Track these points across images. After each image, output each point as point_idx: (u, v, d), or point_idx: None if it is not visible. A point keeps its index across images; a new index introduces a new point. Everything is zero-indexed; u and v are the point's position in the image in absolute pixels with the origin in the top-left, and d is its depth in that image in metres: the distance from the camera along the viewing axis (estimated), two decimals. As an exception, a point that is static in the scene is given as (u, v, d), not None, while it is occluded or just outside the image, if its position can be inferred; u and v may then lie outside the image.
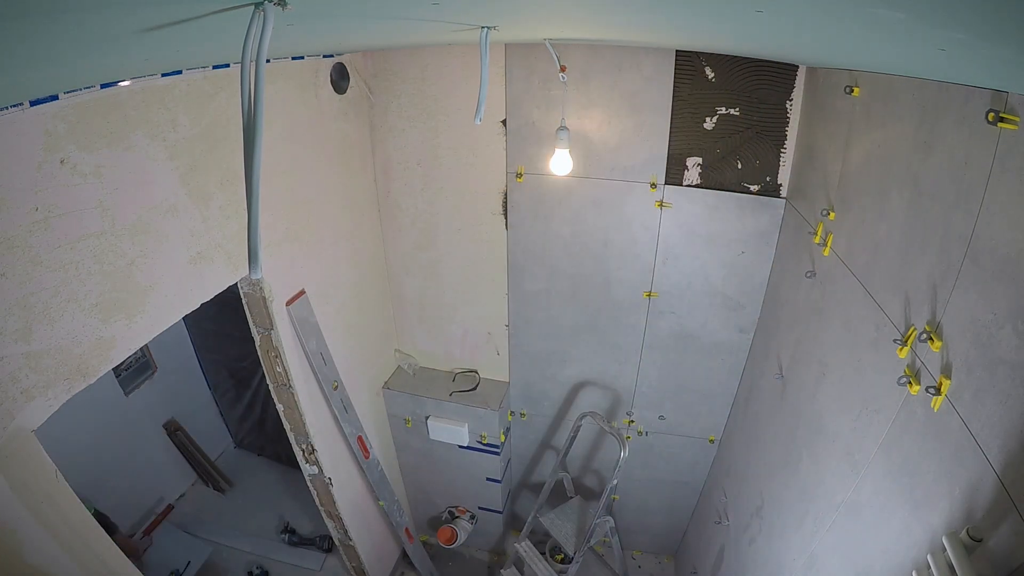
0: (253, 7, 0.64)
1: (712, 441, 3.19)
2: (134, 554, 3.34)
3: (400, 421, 3.41)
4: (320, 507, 2.95)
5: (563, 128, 2.30)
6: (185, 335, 4.25)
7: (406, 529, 3.50)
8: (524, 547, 3.23)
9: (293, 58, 2.11)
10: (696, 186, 2.50)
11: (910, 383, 1.28)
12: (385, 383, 3.34)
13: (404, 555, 3.77)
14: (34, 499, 1.36)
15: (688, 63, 2.27)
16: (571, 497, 3.34)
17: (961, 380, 1.12)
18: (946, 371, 1.17)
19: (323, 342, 2.54)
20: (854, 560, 1.49)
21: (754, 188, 2.43)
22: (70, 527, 1.47)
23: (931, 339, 1.21)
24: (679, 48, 2.21)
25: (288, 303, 2.32)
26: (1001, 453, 0.98)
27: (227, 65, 1.76)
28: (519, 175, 2.66)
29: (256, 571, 3.72)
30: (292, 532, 3.97)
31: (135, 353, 2.07)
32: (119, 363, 1.60)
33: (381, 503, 3.27)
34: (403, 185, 2.86)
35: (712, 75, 2.27)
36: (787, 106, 2.24)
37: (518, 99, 2.51)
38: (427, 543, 3.91)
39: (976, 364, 1.08)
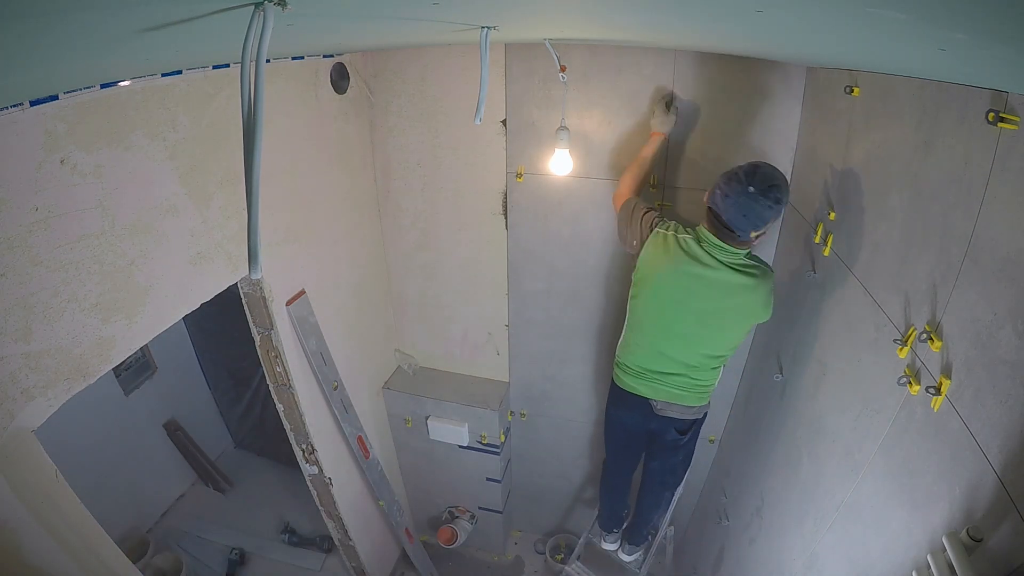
0: (253, 7, 0.64)
1: (712, 441, 3.19)
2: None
3: (400, 421, 3.41)
4: (320, 507, 2.96)
5: (563, 128, 2.30)
6: (185, 335, 4.25)
7: (406, 529, 3.50)
8: (575, 568, 3.08)
9: (293, 58, 2.11)
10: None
11: (910, 383, 1.28)
12: (385, 383, 3.34)
13: (404, 555, 3.77)
14: (34, 499, 1.36)
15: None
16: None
17: (961, 380, 1.12)
18: (946, 371, 1.17)
19: (323, 342, 2.54)
20: (854, 560, 1.49)
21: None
22: (70, 527, 1.47)
23: (931, 339, 1.21)
24: (679, 48, 2.21)
25: (288, 303, 2.32)
26: (1001, 453, 0.99)
27: (227, 65, 1.75)
28: (519, 175, 2.66)
29: (233, 555, 3.78)
30: (292, 532, 3.97)
31: (135, 353, 2.07)
32: (119, 363, 1.60)
33: (381, 503, 3.27)
34: (403, 185, 2.86)
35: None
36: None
37: (518, 99, 2.50)
38: (427, 543, 3.91)
39: (976, 364, 1.08)
